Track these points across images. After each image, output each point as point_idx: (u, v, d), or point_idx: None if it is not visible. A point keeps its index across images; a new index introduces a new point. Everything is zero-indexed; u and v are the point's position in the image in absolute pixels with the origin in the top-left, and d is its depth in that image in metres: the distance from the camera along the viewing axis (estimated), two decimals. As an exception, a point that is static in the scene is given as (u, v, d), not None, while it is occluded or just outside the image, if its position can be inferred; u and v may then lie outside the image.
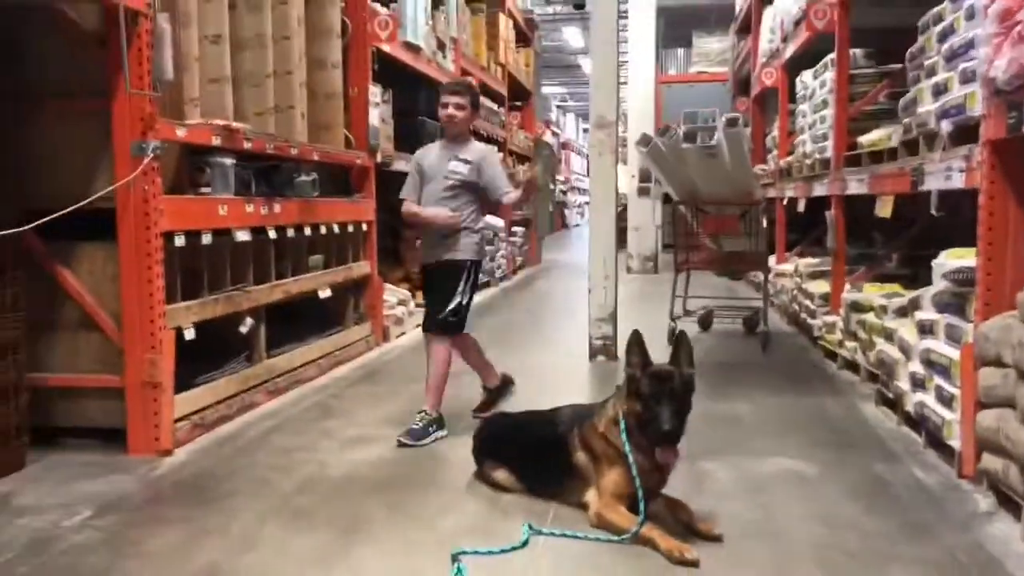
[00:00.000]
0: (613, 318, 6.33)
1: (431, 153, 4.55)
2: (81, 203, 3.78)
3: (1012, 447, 3.04)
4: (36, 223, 3.66)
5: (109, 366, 4.10)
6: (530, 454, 3.56)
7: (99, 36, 3.89)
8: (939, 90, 4.20)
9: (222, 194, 4.61)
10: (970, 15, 3.91)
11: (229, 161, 4.69)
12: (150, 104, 3.94)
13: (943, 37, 4.28)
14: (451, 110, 4.38)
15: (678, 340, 3.22)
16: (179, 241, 4.22)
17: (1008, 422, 3.10)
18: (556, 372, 6.01)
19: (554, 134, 28.88)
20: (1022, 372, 3.02)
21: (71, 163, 4.08)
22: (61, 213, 3.70)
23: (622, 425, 3.17)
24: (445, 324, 4.37)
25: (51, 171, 4.07)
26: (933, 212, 4.16)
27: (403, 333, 7.48)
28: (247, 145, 4.78)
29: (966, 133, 3.85)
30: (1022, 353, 2.96)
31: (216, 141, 4.50)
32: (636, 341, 3.16)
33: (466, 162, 4.40)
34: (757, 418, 4.79)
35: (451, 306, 4.36)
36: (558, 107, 35.00)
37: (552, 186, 17.06)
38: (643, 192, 13.66)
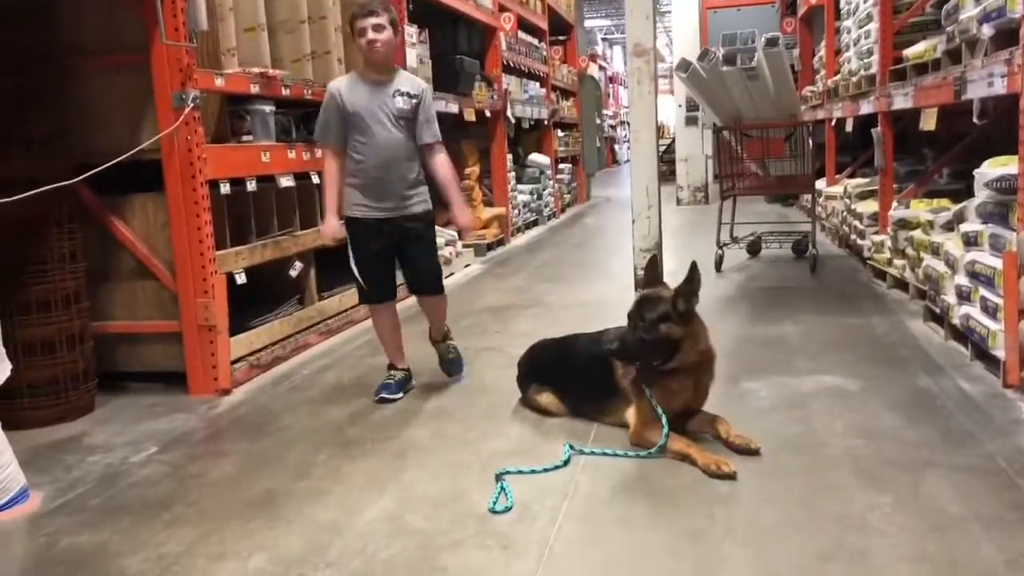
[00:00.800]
0: (658, 248, 6.32)
1: (356, 88, 3.89)
2: (126, 155, 3.90)
3: (1053, 352, 3.02)
4: (86, 175, 3.81)
5: (166, 312, 4.28)
6: (575, 375, 3.64)
7: (134, -9, 3.98)
8: (980, -6, 4.07)
9: (263, 141, 4.72)
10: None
11: (269, 108, 4.78)
12: (187, 55, 4.03)
13: (984, -61, 4.13)
14: (370, 35, 3.79)
15: (689, 270, 3.21)
16: (224, 189, 4.35)
17: (1049, 327, 3.07)
18: (604, 303, 6.06)
19: (600, 68, 28.47)
20: (1062, 276, 2.98)
21: (117, 117, 4.20)
22: (109, 165, 3.85)
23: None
24: (440, 281, 4.21)
25: (99, 126, 4.20)
26: (975, 120, 4.07)
27: (451, 273, 7.58)
28: (285, 92, 4.87)
29: (1008, 37, 3.74)
30: (1060, 256, 2.92)
31: (254, 89, 4.59)
32: (650, 264, 3.41)
33: (409, 96, 3.89)
34: (802, 339, 4.80)
35: (438, 261, 4.25)
36: (604, 40, 34.39)
37: (599, 120, 16.85)
38: (691, 121, 13.48)
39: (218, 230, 4.33)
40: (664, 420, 3.13)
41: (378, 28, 3.81)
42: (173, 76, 4.03)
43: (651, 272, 3.40)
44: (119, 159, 3.90)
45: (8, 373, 3.05)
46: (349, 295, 5.73)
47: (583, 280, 7.21)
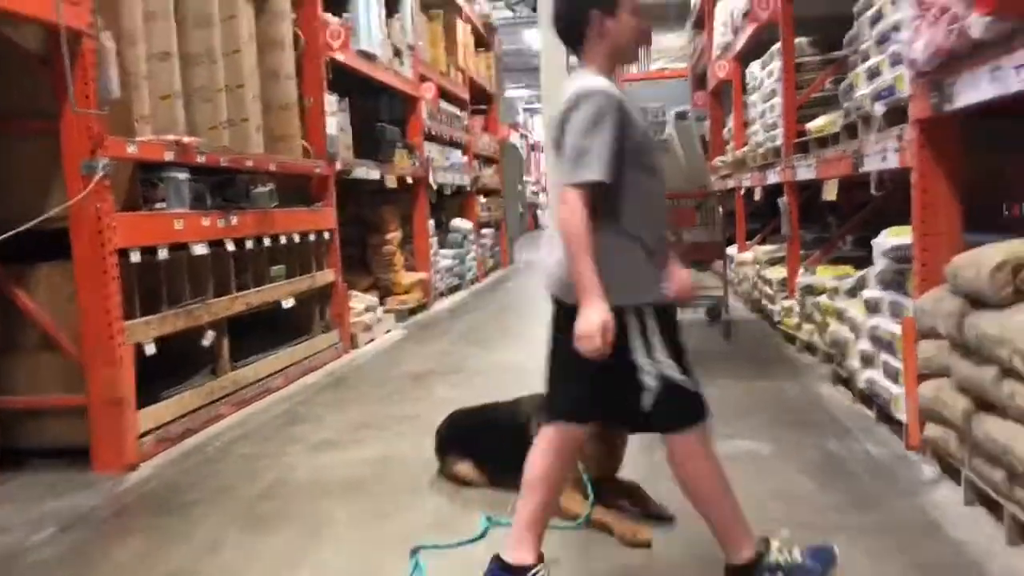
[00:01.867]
0: (577, 313, 6.40)
1: (624, 98, 2.48)
2: (31, 223, 3.80)
3: (949, 414, 3.15)
4: (-12, 245, 3.69)
5: (71, 385, 4.12)
6: (492, 445, 3.63)
7: (42, 57, 3.92)
8: (873, 73, 4.32)
9: (177, 208, 4.65)
10: (895, 0, 4.03)
11: (183, 175, 4.73)
12: (98, 123, 3.97)
13: (874, 22, 4.40)
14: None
15: None
16: (135, 257, 4.26)
17: (945, 390, 3.20)
18: (525, 367, 6.07)
19: (522, 136, 29.02)
20: (954, 342, 3.12)
21: (24, 184, 4.10)
22: (14, 232, 3.74)
23: None
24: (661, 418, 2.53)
25: (4, 193, 4.09)
26: (873, 192, 4.27)
27: (372, 339, 7.53)
28: (200, 159, 4.82)
29: (898, 114, 3.97)
30: (952, 323, 3.07)
31: (168, 156, 4.54)
32: None
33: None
34: (718, 403, 4.80)
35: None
36: (526, 109, 35.10)
37: (521, 187, 17.12)
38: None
39: (127, 299, 4.22)
40: (590, 488, 3.14)
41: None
42: (83, 143, 3.95)
43: None
44: (24, 227, 3.79)
45: None
46: (264, 364, 5.64)
47: (505, 344, 7.22)
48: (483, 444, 3.67)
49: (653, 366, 2.47)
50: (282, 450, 4.31)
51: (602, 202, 2.42)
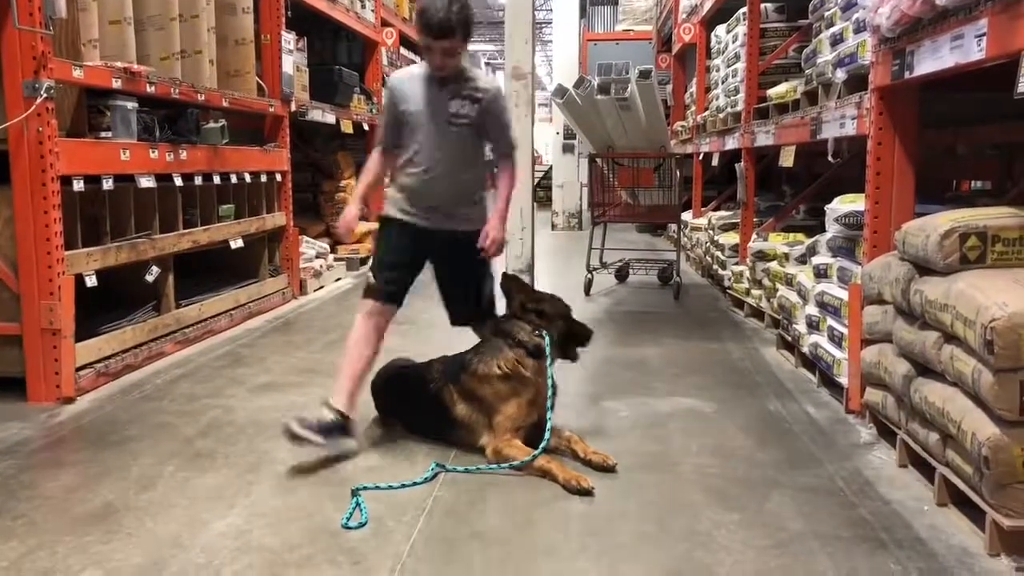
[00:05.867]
0: (531, 269, 6.39)
1: (416, 86, 3.48)
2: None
3: (889, 379, 3.20)
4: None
5: (6, 313, 4.00)
6: (414, 409, 3.58)
7: (-15, -30, 3.75)
8: (836, 40, 4.32)
9: (123, 139, 4.50)
10: (863, -34, 4.02)
11: (131, 105, 4.57)
12: (42, 42, 3.81)
13: (840, -12, 4.39)
14: (438, 60, 3.32)
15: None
16: (78, 185, 4.12)
17: (887, 356, 3.25)
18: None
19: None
20: (899, 307, 3.17)
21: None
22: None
23: (548, 349, 3.33)
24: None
25: (-61, 112, 3.92)
26: (830, 159, 4.29)
27: (321, 287, 7.44)
28: (150, 89, 4.67)
29: (859, 82, 3.98)
30: (898, 289, 3.11)
31: (116, 84, 4.38)
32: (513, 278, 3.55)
33: (474, 101, 3.43)
34: (662, 362, 4.92)
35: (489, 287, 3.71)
36: (487, 64, 34.72)
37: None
38: (567, 149, 13.75)
39: (68, 229, 4.10)
40: (550, 415, 3.25)
41: (449, 53, 3.30)
42: (26, 63, 3.79)
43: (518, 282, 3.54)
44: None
45: None
46: (209, 303, 5.53)
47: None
48: (403, 404, 3.63)
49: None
50: (224, 391, 4.25)
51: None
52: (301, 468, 3.21)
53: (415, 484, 3.04)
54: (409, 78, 3.51)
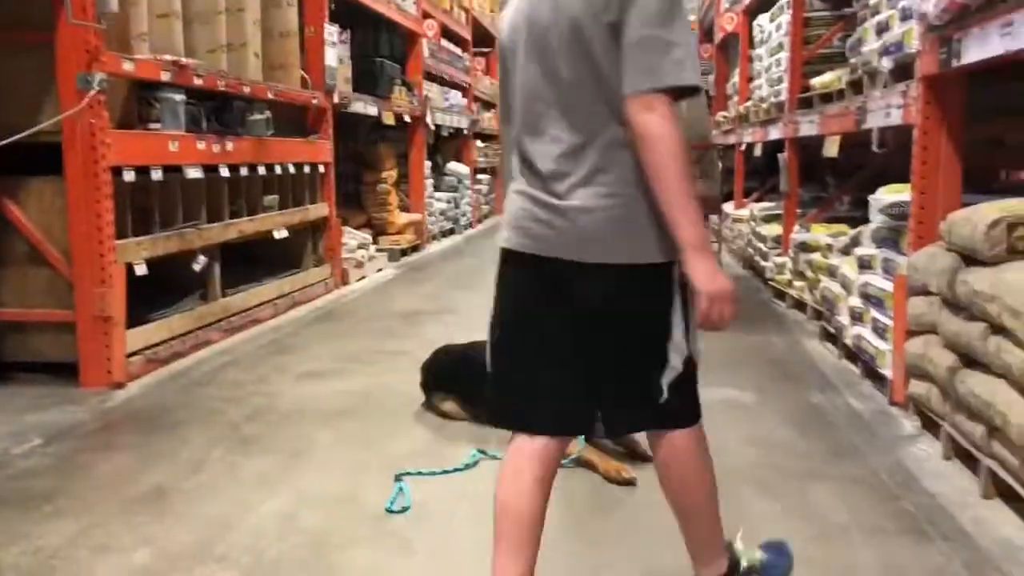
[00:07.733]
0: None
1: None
2: (22, 134, 3.75)
3: (934, 370, 3.17)
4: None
5: (59, 300, 4.11)
6: (476, 383, 3.62)
7: (40, -34, 3.84)
8: (881, 28, 4.26)
9: (172, 130, 4.59)
10: (911, -47, 3.96)
11: (179, 97, 4.66)
12: (95, 36, 3.90)
13: (887, -24, 4.33)
14: None
15: None
16: (128, 176, 4.22)
17: (932, 347, 3.22)
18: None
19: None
20: (944, 298, 3.13)
21: (18, 96, 4.04)
22: (5, 142, 3.69)
23: None
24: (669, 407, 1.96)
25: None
26: (874, 149, 4.24)
27: (363, 277, 7.52)
28: (197, 81, 4.75)
29: (905, 70, 3.93)
30: (944, 280, 3.07)
31: (165, 76, 4.47)
32: None
33: None
34: (705, 354, 4.89)
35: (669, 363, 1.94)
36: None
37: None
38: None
39: (119, 219, 4.19)
40: None
41: None
42: (79, 56, 3.89)
43: None
44: (14, 138, 3.75)
45: None
46: (254, 293, 5.62)
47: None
48: (467, 382, 3.67)
49: (686, 344, 1.94)
50: (268, 378, 4.32)
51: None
52: (345, 454, 3.27)
53: (457, 470, 3.08)
54: None
